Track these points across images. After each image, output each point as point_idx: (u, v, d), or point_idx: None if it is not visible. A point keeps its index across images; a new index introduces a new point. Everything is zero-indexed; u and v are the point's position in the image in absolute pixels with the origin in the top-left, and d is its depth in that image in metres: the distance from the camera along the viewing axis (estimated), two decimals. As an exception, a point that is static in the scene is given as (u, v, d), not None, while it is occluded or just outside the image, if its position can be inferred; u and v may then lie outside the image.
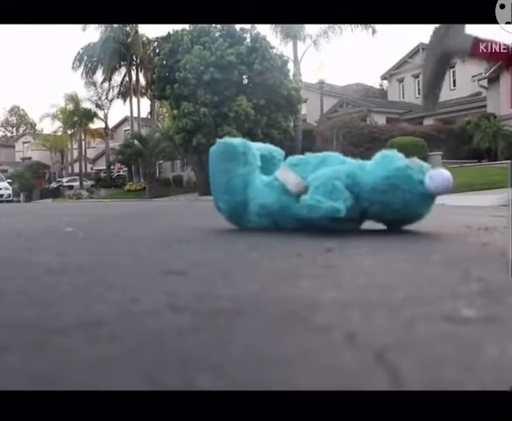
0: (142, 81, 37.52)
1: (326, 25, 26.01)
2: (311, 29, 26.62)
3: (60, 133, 42.43)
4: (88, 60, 36.21)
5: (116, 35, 34.32)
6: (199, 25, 25.38)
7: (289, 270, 1.57)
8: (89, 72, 36.70)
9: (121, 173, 41.15)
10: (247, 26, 26.04)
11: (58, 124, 41.14)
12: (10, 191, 29.26)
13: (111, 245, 2.46)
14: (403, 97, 31.26)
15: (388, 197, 2.49)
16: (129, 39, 34.58)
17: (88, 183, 39.60)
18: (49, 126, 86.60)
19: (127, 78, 37.19)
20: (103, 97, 38.75)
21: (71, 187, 39.74)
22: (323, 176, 2.56)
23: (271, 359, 0.76)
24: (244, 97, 24.47)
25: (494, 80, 23.03)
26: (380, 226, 2.70)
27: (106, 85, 38.12)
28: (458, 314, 0.99)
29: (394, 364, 0.72)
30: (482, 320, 0.95)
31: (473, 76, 25.09)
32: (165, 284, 1.35)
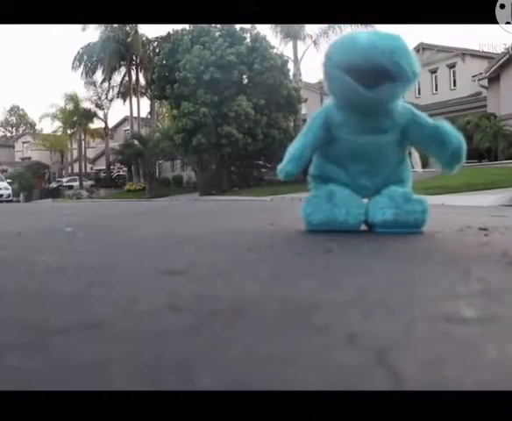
0: (142, 81, 37.56)
1: (326, 25, 26.02)
2: (311, 29, 26.64)
3: (59, 133, 42.43)
4: (88, 60, 36.24)
5: (116, 35, 34.35)
6: (199, 25, 25.40)
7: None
8: (89, 72, 36.74)
9: (121, 173, 41.18)
10: (247, 26, 26.08)
11: (58, 124, 41.21)
12: (9, 191, 29.28)
13: (111, 244, 2.46)
14: (403, 97, 31.26)
15: None
16: (129, 39, 34.59)
17: (87, 183, 39.63)
18: (49, 126, 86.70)
19: (127, 78, 37.22)
20: (103, 97, 38.82)
21: (71, 187, 39.77)
22: None
23: (270, 358, 0.76)
24: (244, 97, 24.49)
25: (494, 80, 23.03)
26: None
27: (106, 85, 38.19)
28: (458, 314, 0.99)
29: (395, 364, 0.72)
30: (482, 320, 0.96)
31: (473, 76, 25.10)
32: (167, 284, 1.35)
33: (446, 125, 2.56)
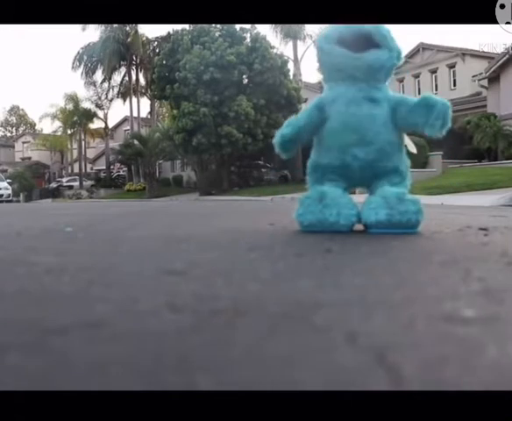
0: (142, 81, 37.57)
1: (326, 25, 26.01)
2: (311, 29, 26.63)
3: (59, 133, 42.43)
4: (88, 60, 36.27)
5: (116, 35, 34.35)
6: (199, 25, 25.39)
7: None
8: (89, 72, 36.76)
9: (121, 173, 41.16)
10: (247, 26, 26.08)
11: (58, 124, 41.22)
12: (9, 191, 29.28)
13: (111, 244, 2.46)
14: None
15: None
16: (129, 39, 34.60)
17: (87, 183, 39.63)
18: (49, 126, 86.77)
19: (127, 78, 37.21)
20: (103, 97, 38.83)
21: (71, 187, 39.79)
22: None
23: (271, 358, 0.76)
24: (244, 97, 24.49)
25: (494, 80, 23.03)
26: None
27: (106, 85, 38.21)
28: (458, 314, 0.99)
29: (395, 364, 0.72)
30: (482, 320, 0.96)
31: (473, 76, 25.10)
32: (167, 284, 1.35)
33: (433, 96, 2.69)
